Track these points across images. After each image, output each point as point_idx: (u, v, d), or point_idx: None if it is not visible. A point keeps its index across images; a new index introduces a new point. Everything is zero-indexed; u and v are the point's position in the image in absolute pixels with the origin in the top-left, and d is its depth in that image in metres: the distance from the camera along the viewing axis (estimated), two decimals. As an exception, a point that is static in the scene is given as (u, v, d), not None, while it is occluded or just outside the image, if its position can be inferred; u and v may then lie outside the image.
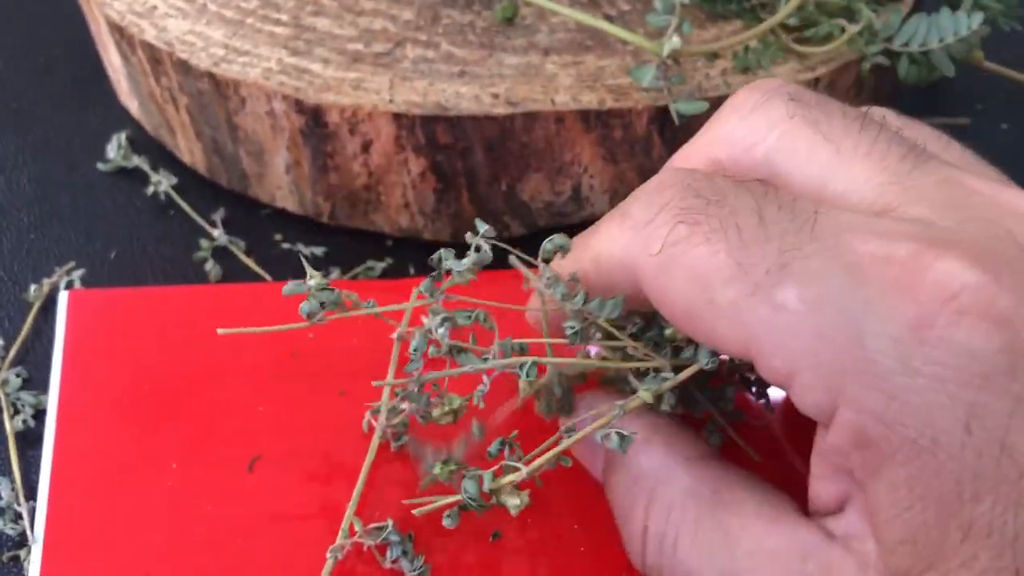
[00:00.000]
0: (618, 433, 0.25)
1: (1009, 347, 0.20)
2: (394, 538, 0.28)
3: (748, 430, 0.30)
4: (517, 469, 0.26)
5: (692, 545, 0.25)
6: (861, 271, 0.21)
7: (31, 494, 0.33)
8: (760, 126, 0.26)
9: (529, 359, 0.26)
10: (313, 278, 0.27)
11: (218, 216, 0.42)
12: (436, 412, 0.28)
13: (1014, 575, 0.20)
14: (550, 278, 0.26)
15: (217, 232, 0.41)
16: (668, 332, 0.27)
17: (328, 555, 0.27)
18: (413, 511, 0.27)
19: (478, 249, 0.27)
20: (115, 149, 0.45)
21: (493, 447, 0.27)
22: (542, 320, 0.28)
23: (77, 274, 0.40)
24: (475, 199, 0.39)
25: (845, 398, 0.21)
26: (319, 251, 0.41)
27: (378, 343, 0.31)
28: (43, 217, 0.43)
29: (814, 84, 0.39)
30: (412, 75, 0.38)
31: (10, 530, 0.32)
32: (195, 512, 0.29)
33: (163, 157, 0.44)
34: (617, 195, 0.40)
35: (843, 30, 0.39)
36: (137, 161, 0.44)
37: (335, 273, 0.40)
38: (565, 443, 0.26)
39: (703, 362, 0.25)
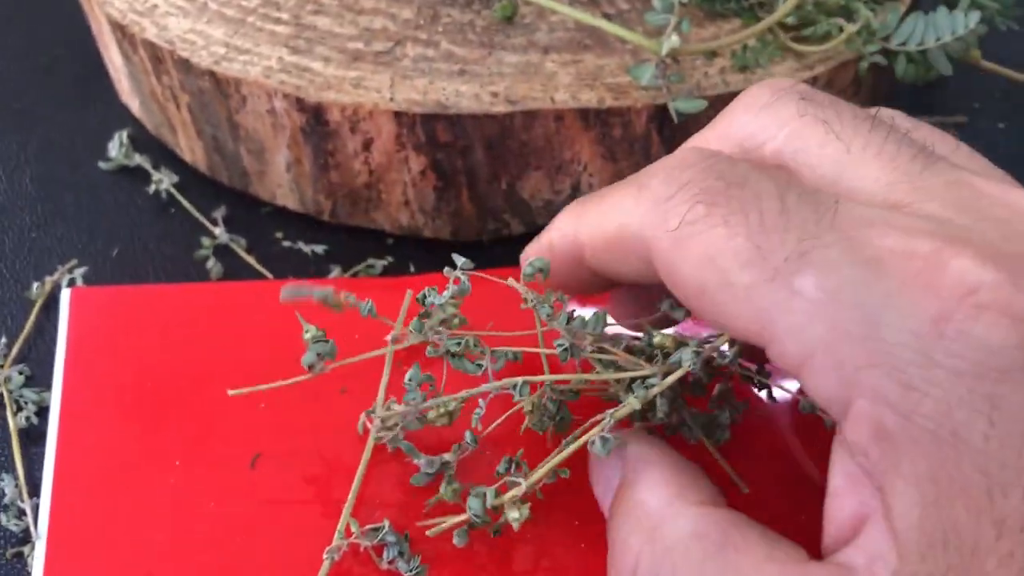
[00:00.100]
0: (601, 437, 0.25)
1: None
2: (391, 539, 0.28)
3: (751, 463, 0.30)
4: (518, 484, 0.26)
5: None
6: (881, 265, 0.21)
7: (34, 491, 0.33)
8: (770, 124, 0.26)
9: (520, 379, 0.27)
10: (309, 331, 0.29)
11: (219, 214, 0.42)
12: (432, 414, 0.29)
13: None
14: (535, 299, 0.27)
15: (218, 230, 0.42)
16: (656, 340, 0.27)
17: (324, 556, 0.27)
18: (427, 532, 0.28)
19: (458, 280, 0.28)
20: (116, 148, 0.45)
21: (501, 466, 0.27)
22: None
23: (79, 272, 0.40)
24: (475, 197, 0.40)
25: (861, 388, 0.21)
26: (320, 249, 0.41)
27: (379, 340, 0.31)
28: (45, 215, 0.43)
29: (812, 83, 0.39)
30: (412, 74, 0.38)
31: (13, 526, 0.33)
32: (198, 509, 0.29)
33: (164, 155, 0.45)
34: (616, 193, 0.40)
35: (841, 29, 0.39)
36: (139, 159, 0.44)
37: (336, 271, 0.40)
38: (560, 456, 0.26)
39: (686, 364, 0.26)
